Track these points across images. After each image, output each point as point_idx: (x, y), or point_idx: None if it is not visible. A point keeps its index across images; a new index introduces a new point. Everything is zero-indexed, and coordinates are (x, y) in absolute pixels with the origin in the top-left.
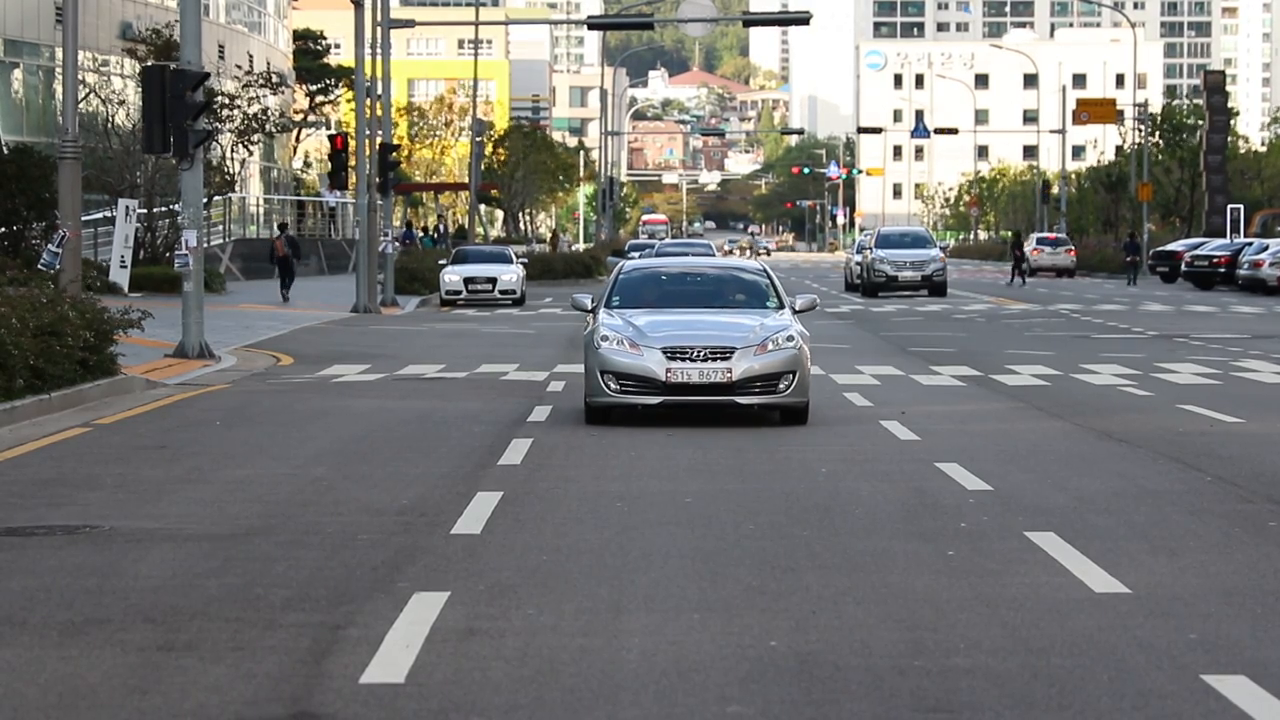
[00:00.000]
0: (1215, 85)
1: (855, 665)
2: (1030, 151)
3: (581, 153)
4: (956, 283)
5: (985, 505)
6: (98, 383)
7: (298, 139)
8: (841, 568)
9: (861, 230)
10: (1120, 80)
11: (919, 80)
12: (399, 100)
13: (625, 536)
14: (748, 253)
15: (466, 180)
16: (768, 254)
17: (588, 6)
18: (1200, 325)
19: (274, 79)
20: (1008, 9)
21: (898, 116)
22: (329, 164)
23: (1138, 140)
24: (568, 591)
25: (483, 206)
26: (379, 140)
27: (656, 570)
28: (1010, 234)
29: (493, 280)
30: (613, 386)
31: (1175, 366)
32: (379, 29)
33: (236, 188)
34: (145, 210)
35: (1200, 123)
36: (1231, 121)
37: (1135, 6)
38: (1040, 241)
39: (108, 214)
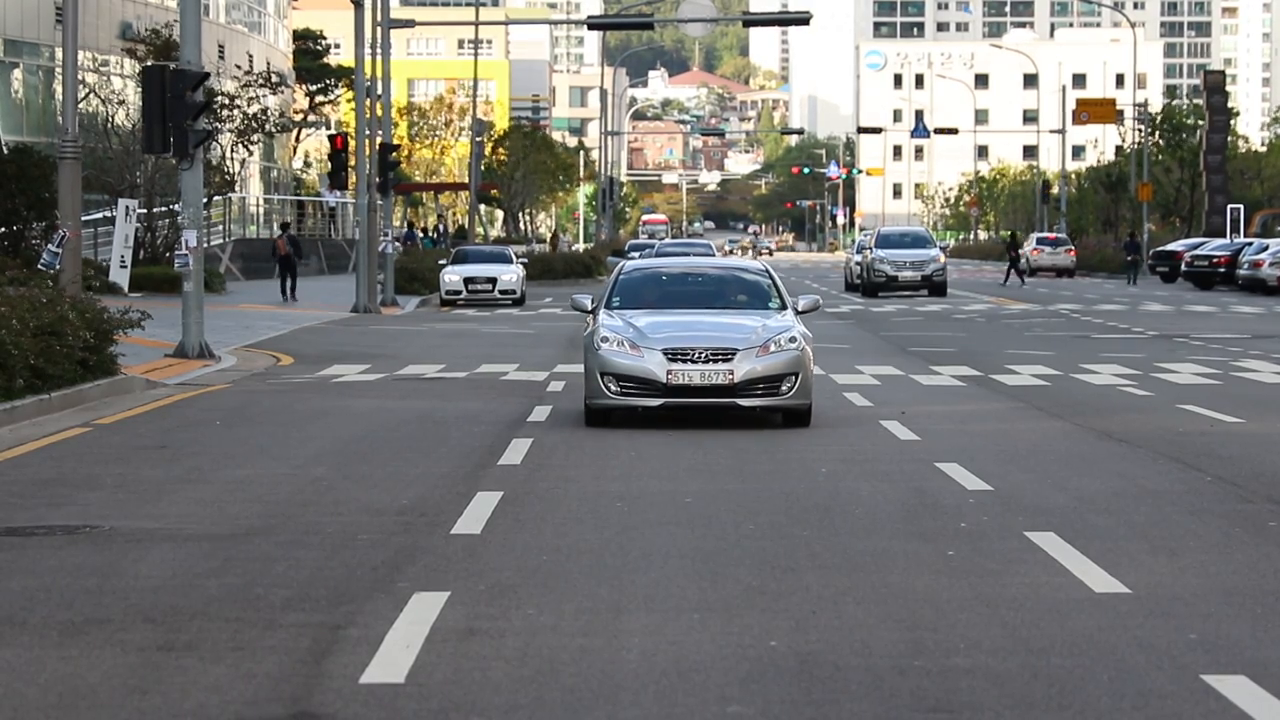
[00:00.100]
0: (1215, 85)
1: (855, 665)
2: (1030, 151)
3: (581, 153)
4: (956, 283)
5: (985, 505)
6: (98, 383)
7: (298, 139)
8: (841, 568)
9: (861, 230)
10: (1120, 80)
11: (919, 80)
12: (399, 100)
13: (625, 536)
14: (749, 253)
15: (466, 180)
16: (769, 254)
17: (588, 6)
18: (1200, 325)
19: (274, 79)
20: (1008, 9)
21: (898, 116)
22: (329, 164)
23: (1138, 140)
24: (568, 591)
25: (483, 206)
26: (379, 140)
27: (656, 570)
28: (1007, 234)
29: (493, 280)
30: (613, 388)
31: (1175, 366)
32: (379, 29)
33: (236, 188)
34: (145, 210)
35: (1200, 123)
36: (1231, 121)
37: (1135, 6)
38: (1040, 241)
39: (108, 214)
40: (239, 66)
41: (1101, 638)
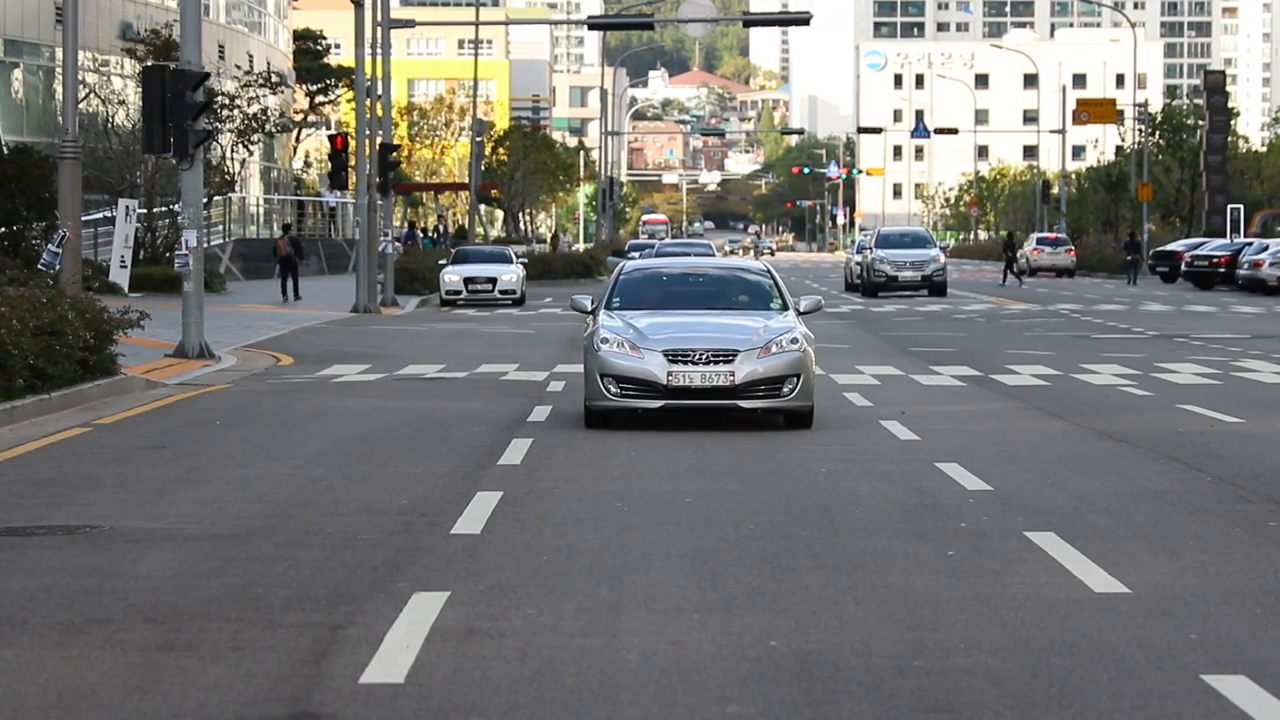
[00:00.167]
0: (1215, 85)
1: (855, 665)
2: (1030, 151)
3: (581, 153)
4: (956, 283)
5: (985, 505)
6: (98, 383)
7: (298, 139)
8: (841, 568)
9: (861, 230)
10: (1120, 80)
11: (919, 80)
12: (399, 100)
13: (625, 536)
14: (751, 253)
15: (466, 180)
16: (771, 254)
17: (588, 6)
18: (1200, 325)
19: (274, 79)
20: (1008, 9)
21: (898, 116)
22: (329, 164)
23: (1138, 140)
24: (568, 591)
25: (483, 206)
26: (379, 140)
27: (656, 570)
28: (1004, 234)
29: (493, 280)
30: (613, 390)
31: (1175, 366)
32: (379, 29)
33: (236, 188)
34: (145, 210)
35: (1200, 123)
36: (1231, 121)
37: (1135, 6)
38: (1040, 241)
39: (108, 214)
40: (239, 66)
41: (1101, 638)
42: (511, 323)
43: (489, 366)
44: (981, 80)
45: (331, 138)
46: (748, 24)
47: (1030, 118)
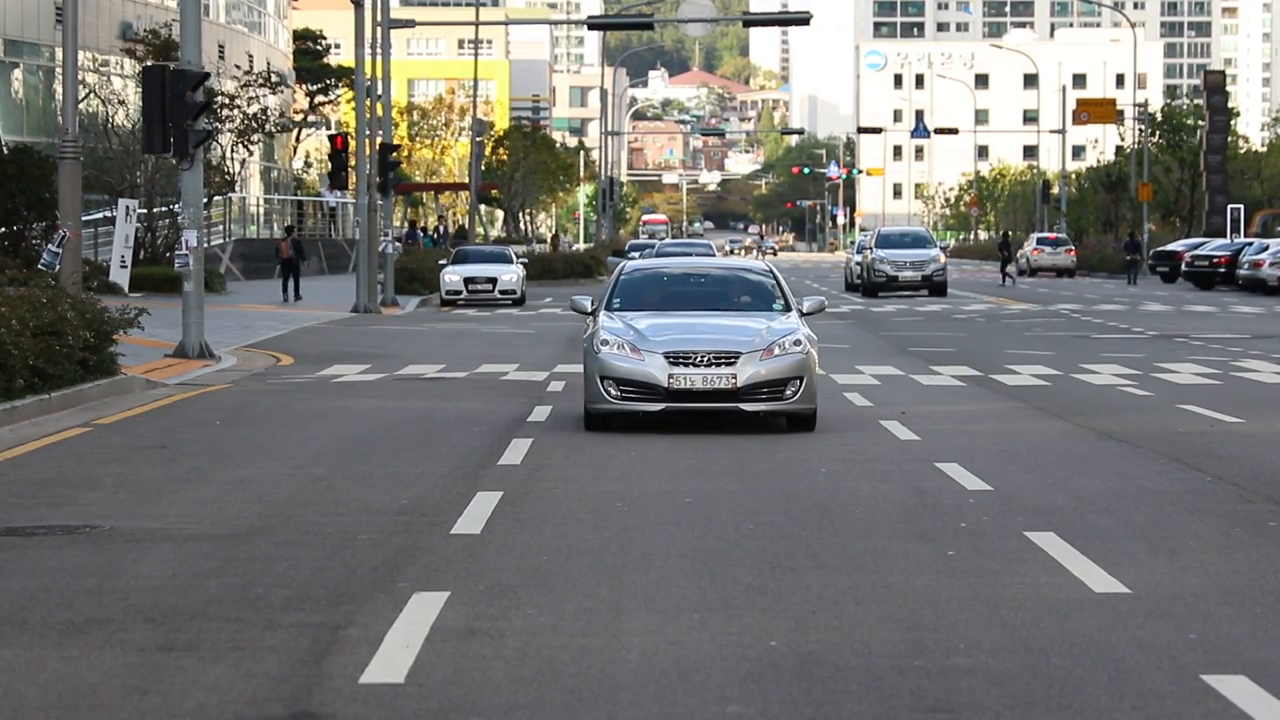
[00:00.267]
0: (1215, 85)
1: (855, 665)
2: (1030, 151)
3: (581, 153)
4: (956, 283)
5: (985, 505)
6: (98, 383)
7: (298, 139)
8: (841, 568)
9: (861, 230)
10: (1120, 80)
11: (919, 80)
12: (399, 100)
13: (625, 536)
14: (753, 254)
15: (466, 180)
16: (773, 254)
17: (588, 6)
18: (1200, 325)
19: (274, 79)
20: (1008, 9)
21: (898, 116)
22: (329, 164)
23: (1138, 140)
24: (568, 591)
25: (483, 206)
26: (379, 140)
27: (656, 570)
28: (1000, 234)
29: (493, 280)
30: (613, 393)
31: (1175, 366)
32: (379, 29)
33: (236, 188)
34: (145, 210)
35: (1200, 123)
36: (1231, 121)
37: (1135, 6)
38: (1040, 241)
39: (108, 214)
40: (239, 66)
41: (1101, 638)
42: (511, 323)
43: (489, 366)
44: (981, 80)
45: (331, 138)
46: (748, 24)
47: (1030, 118)
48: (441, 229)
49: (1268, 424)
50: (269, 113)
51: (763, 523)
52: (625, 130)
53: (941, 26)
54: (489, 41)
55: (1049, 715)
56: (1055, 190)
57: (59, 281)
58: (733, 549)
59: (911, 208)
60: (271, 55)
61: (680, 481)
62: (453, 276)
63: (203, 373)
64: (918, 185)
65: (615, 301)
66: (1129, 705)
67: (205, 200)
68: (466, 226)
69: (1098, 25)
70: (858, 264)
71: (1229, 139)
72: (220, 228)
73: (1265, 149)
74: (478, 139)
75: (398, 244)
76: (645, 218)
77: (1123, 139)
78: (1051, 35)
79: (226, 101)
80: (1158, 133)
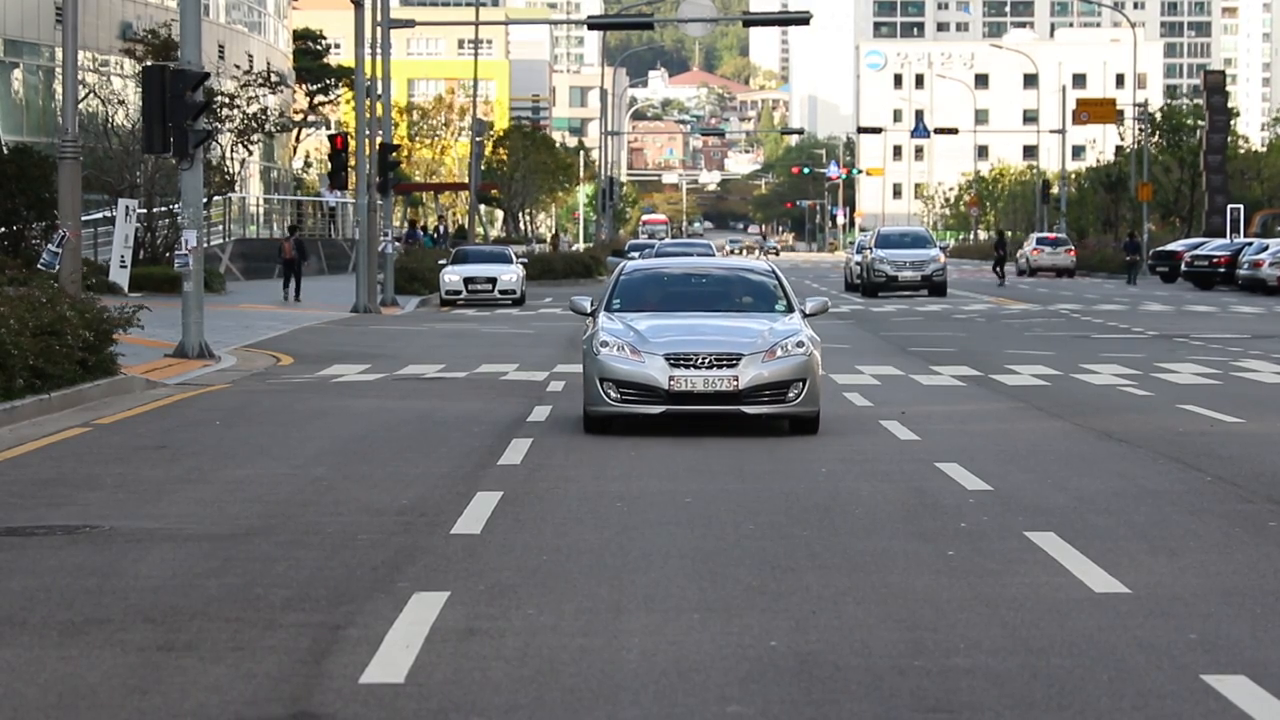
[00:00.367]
0: (1215, 85)
1: (855, 665)
2: (1030, 151)
3: (581, 153)
4: (956, 283)
5: (985, 505)
6: (98, 383)
7: (298, 139)
8: (841, 568)
9: (861, 230)
10: (1120, 80)
11: (919, 80)
12: (399, 100)
13: (625, 536)
14: (755, 254)
15: (466, 180)
16: (776, 255)
17: (588, 6)
18: (1200, 325)
19: (274, 79)
20: (1008, 9)
21: (898, 116)
22: (329, 164)
23: (1138, 140)
24: (568, 591)
25: (483, 206)
26: (379, 140)
27: (656, 570)
28: (995, 234)
29: (493, 280)
30: (613, 395)
31: (1175, 366)
32: (379, 29)
33: (236, 188)
34: (145, 210)
35: (1200, 123)
36: (1231, 121)
37: (1135, 6)
38: (1040, 241)
39: (108, 214)
40: (239, 66)
41: (1101, 638)
42: (511, 323)
43: (489, 366)
44: (981, 80)
45: (331, 138)
46: (748, 24)
47: (1030, 118)
48: (441, 229)
49: (1268, 424)
50: (269, 113)
51: (763, 523)
52: (625, 130)
53: (941, 26)
54: (489, 41)
55: (1049, 715)
56: (1055, 190)
57: (59, 281)
58: (733, 549)
59: (911, 208)
60: (271, 55)
61: (680, 481)
62: (452, 276)
63: (203, 373)
64: (917, 185)
65: (615, 302)
66: (1129, 705)
67: (205, 200)
68: (466, 226)
69: (1098, 25)
70: (857, 264)
71: (1229, 139)
72: (220, 228)
73: (1265, 149)
74: (477, 139)
75: (397, 244)
76: (645, 218)
77: (1123, 139)
78: (1051, 35)
79: (226, 101)
80: (1157, 133)
